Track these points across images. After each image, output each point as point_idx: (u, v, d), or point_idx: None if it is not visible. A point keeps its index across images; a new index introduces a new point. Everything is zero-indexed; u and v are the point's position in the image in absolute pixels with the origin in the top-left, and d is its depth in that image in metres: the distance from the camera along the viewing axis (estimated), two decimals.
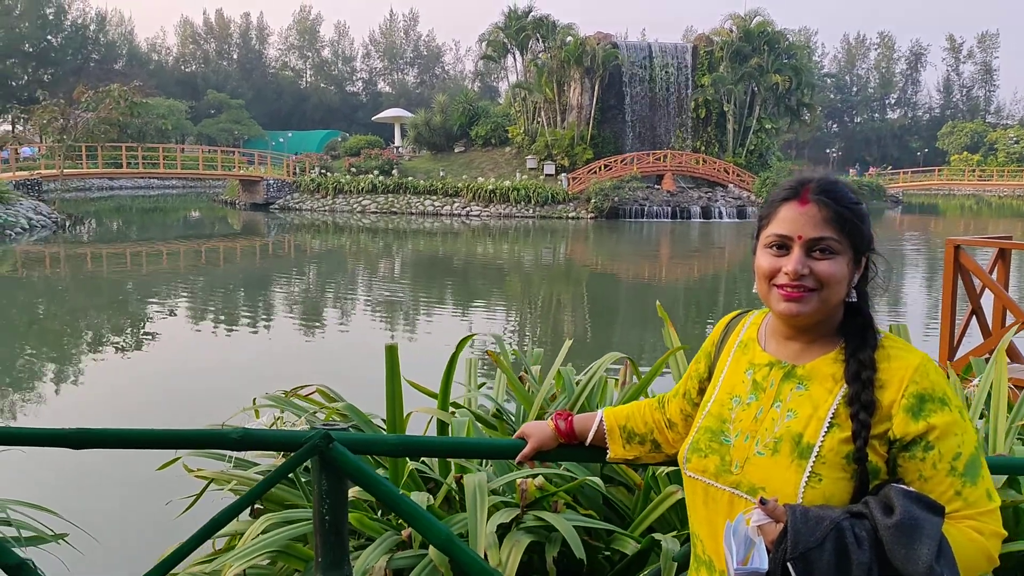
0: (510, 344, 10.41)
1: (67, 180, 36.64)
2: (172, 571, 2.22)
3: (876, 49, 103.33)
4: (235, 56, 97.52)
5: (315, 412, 3.15)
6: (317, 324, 14.11)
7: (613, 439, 1.85)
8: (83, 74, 63.34)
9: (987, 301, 6.44)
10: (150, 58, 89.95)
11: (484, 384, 3.63)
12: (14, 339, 12.72)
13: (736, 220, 36.72)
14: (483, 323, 13.73)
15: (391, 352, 2.84)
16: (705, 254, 27.33)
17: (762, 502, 1.33)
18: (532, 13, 43.14)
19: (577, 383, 3.25)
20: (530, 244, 29.06)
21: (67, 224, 29.64)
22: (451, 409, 3.16)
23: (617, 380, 3.54)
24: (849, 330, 1.46)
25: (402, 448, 1.97)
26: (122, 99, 34.96)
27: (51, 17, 71.34)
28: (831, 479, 1.36)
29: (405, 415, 3.18)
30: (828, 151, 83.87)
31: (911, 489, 1.33)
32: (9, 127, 69.39)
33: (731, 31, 42.59)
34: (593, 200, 35.89)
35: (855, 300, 1.48)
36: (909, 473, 1.37)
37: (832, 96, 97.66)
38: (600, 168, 38.14)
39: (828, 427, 1.39)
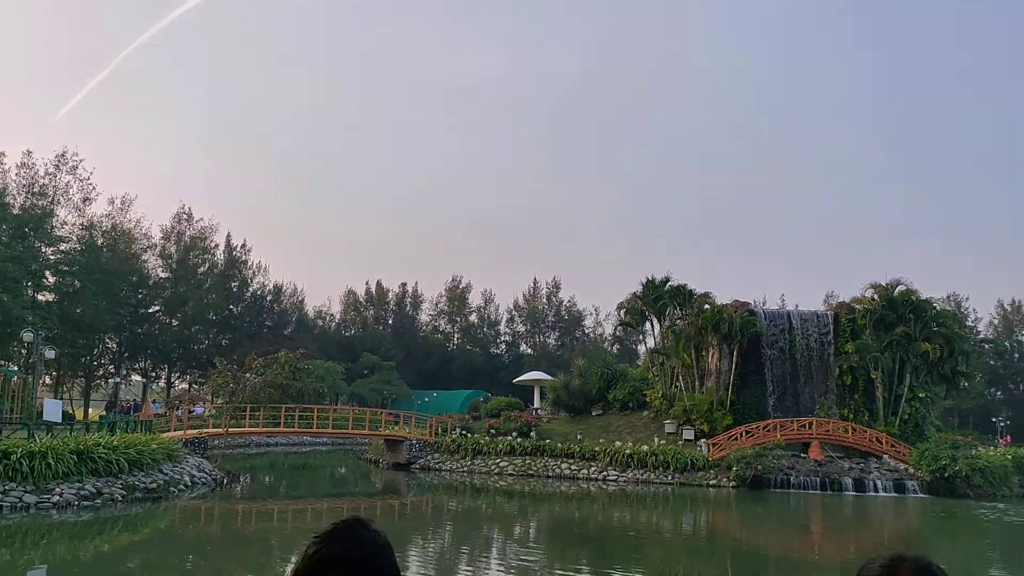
0: None
1: (231, 437, 39.17)
2: None
3: None
4: (390, 321, 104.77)
5: None
6: None
7: None
8: (257, 339, 69.61)
9: None
10: (316, 324, 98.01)
11: None
12: None
13: (894, 494, 34.20)
14: None
15: None
16: (863, 532, 25.37)
17: None
18: (669, 283, 44.83)
19: None
20: (667, 514, 28.01)
21: (224, 481, 31.30)
22: None
23: None
24: None
25: None
26: (287, 365, 38.25)
27: (235, 289, 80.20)
28: None
29: None
30: (994, 420, 78.22)
31: None
32: (186, 386, 76.03)
33: (873, 299, 42.34)
34: (735, 468, 34.65)
35: None
36: None
37: (993, 363, 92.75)
38: (741, 434, 37.18)
39: None
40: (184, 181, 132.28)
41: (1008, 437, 68.60)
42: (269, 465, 46.34)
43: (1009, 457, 39.71)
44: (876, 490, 34.54)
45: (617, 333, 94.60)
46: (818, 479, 35.01)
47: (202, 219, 78.66)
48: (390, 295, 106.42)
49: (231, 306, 79.33)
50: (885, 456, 37.49)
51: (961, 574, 18.64)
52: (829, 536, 23.99)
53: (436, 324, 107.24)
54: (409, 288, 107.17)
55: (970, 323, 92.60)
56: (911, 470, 35.93)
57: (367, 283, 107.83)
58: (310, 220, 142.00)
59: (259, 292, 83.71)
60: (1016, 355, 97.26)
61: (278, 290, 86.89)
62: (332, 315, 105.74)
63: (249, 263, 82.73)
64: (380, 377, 78.93)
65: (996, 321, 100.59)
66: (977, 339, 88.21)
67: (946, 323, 42.95)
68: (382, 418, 48.83)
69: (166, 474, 26.92)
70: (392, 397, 76.70)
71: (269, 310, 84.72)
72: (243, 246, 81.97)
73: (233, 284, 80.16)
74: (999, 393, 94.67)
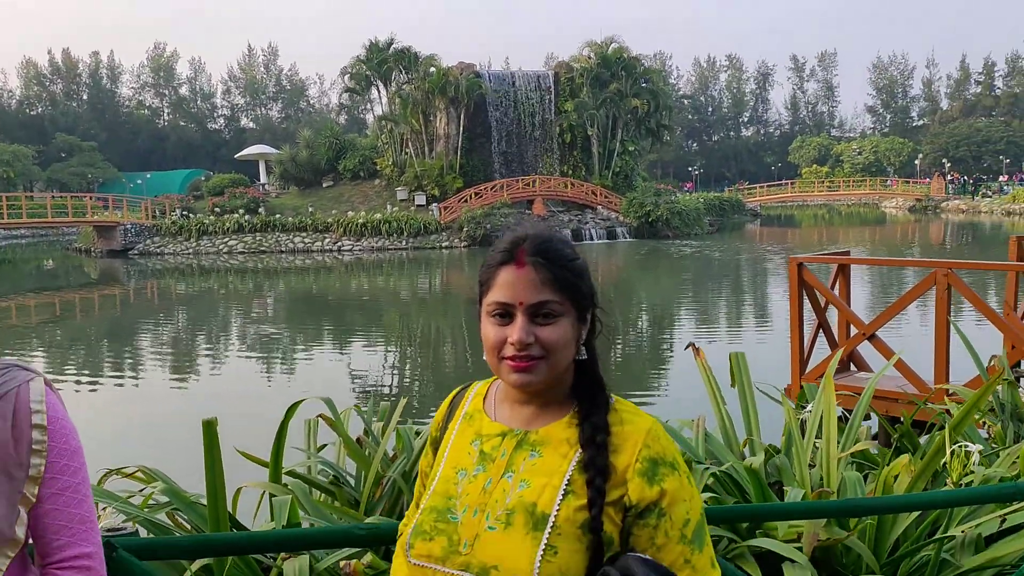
0: (361, 395, 10.08)
1: None
2: None
3: (726, 71, 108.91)
4: (85, 97, 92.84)
5: (130, 497, 2.87)
6: (173, 377, 13.37)
7: None
8: None
9: (833, 314, 6.72)
10: None
11: (325, 446, 3.43)
12: None
13: (606, 240, 37.62)
14: (335, 370, 13.34)
15: (209, 428, 2.61)
16: None
17: None
18: (394, 45, 43.05)
19: (417, 435, 3.11)
20: (402, 278, 28.77)
21: None
22: (286, 479, 2.95)
23: None
24: (581, 392, 1.41)
25: (193, 549, 1.77)
26: None
27: None
28: (567, 551, 1.29)
29: (236, 489, 2.97)
30: (690, 169, 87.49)
31: (649, 558, 1.30)
32: None
33: (589, 58, 43.79)
34: (465, 228, 35.98)
35: (585, 358, 1.41)
36: (642, 541, 1.33)
37: (691, 116, 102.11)
38: (471, 196, 38.30)
39: (563, 494, 1.32)
40: None
41: (691, 184, 77.48)
42: None
43: (701, 201, 45.01)
44: (592, 238, 37.74)
45: (343, 102, 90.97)
46: None
47: None
48: (81, 66, 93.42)
49: None
50: (599, 207, 40.73)
51: (662, 299, 21.20)
52: None
53: (141, 99, 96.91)
54: (103, 57, 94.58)
55: (673, 81, 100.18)
56: (621, 218, 39.49)
57: (50, 52, 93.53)
58: None
59: None
60: (710, 108, 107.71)
61: None
62: (11, 92, 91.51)
63: None
64: (81, 160, 70.87)
65: (694, 78, 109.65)
66: (678, 95, 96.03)
67: (653, 80, 45.96)
68: (87, 203, 44.27)
69: None
70: (99, 181, 69.61)
71: None
72: None
73: None
74: (695, 145, 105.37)
